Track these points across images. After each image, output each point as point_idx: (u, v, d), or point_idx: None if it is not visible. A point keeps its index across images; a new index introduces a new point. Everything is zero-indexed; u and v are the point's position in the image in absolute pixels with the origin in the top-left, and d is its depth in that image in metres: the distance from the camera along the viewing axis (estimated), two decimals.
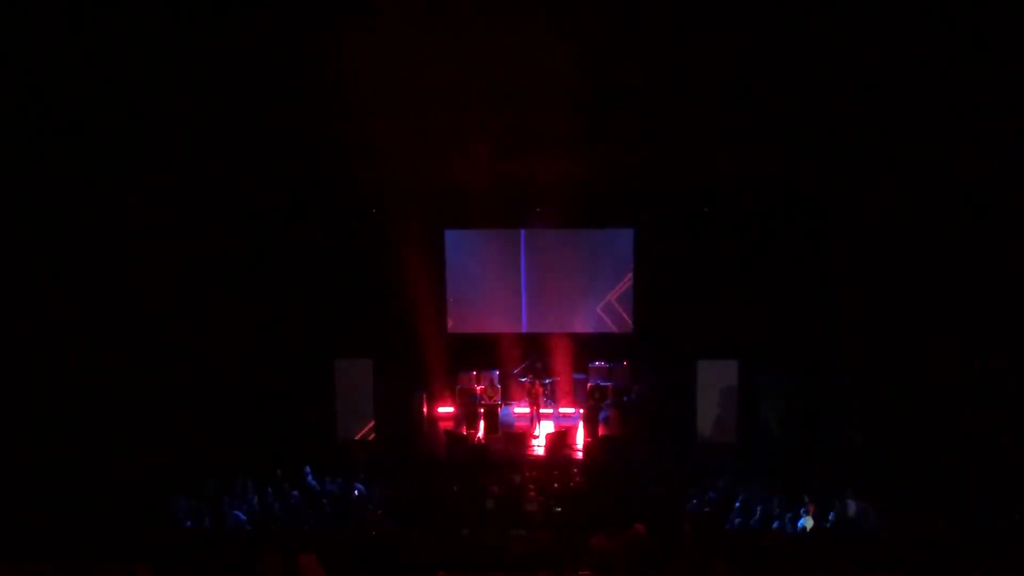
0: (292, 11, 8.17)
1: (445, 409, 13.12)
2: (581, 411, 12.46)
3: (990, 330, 9.48)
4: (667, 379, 12.67)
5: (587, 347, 13.29)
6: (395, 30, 8.10)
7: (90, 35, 8.37)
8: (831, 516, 7.76)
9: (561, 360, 13.11)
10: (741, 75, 8.89)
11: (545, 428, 12.28)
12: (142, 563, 5.95)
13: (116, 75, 8.91)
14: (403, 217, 12.22)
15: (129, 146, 9.77)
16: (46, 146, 9.33)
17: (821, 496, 8.02)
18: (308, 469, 9.48)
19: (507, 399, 12.94)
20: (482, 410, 12.29)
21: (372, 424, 12.10)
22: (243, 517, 8.04)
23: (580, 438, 12.02)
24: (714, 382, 11.72)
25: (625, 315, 13.46)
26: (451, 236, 13.49)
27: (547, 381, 12.88)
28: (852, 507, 7.74)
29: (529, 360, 12.97)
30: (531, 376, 12.57)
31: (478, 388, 12.64)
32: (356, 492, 9.15)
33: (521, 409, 12.85)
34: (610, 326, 13.49)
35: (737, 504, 8.36)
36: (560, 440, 11.51)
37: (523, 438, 11.83)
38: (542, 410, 12.54)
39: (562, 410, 12.99)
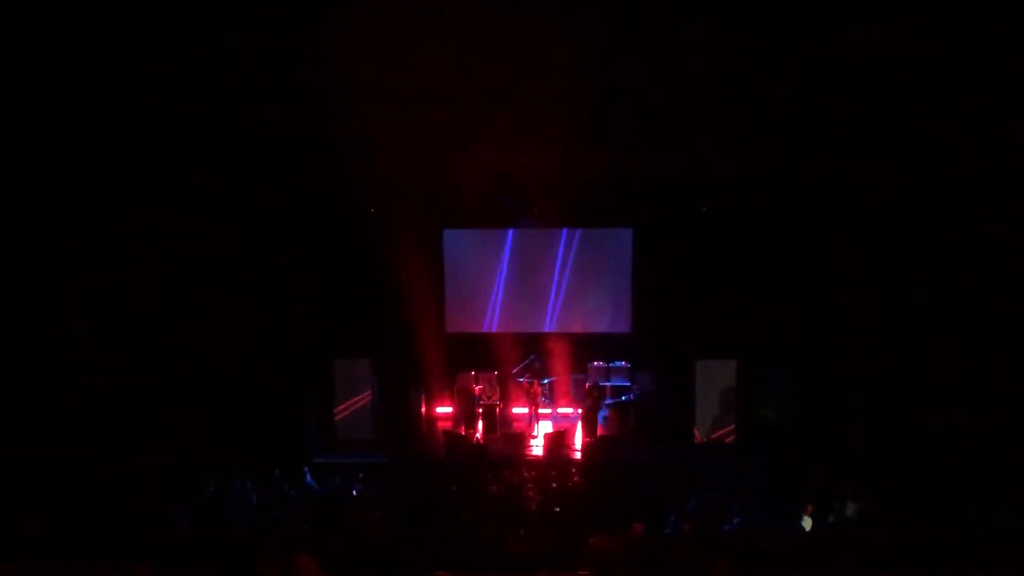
0: (292, 11, 8.17)
1: (444, 409, 13.12)
2: (579, 411, 12.46)
3: (990, 330, 9.47)
4: (666, 379, 12.68)
5: (586, 347, 13.29)
6: (394, 30, 8.10)
7: (90, 35, 8.36)
8: (829, 517, 7.76)
9: (560, 360, 13.11)
10: (741, 75, 8.88)
11: (544, 428, 12.28)
12: (142, 563, 5.94)
13: (116, 75, 8.90)
14: (402, 217, 12.23)
15: (129, 146, 9.77)
16: (46, 146, 9.33)
17: (820, 496, 8.02)
18: (307, 469, 9.48)
19: (506, 399, 12.92)
20: (481, 410, 12.29)
21: (371, 424, 12.12)
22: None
23: (579, 438, 12.02)
24: (713, 382, 11.73)
25: (624, 315, 13.46)
26: (450, 236, 13.49)
27: (545, 381, 12.88)
28: (851, 508, 7.74)
29: (528, 360, 12.97)
30: (529, 376, 12.57)
31: (477, 388, 12.64)
32: (354, 492, 9.15)
33: (520, 409, 12.85)
34: (609, 326, 13.49)
35: (736, 504, 8.36)
36: (559, 440, 11.52)
37: (522, 438, 11.84)
38: (540, 410, 12.55)
39: (560, 410, 12.99)
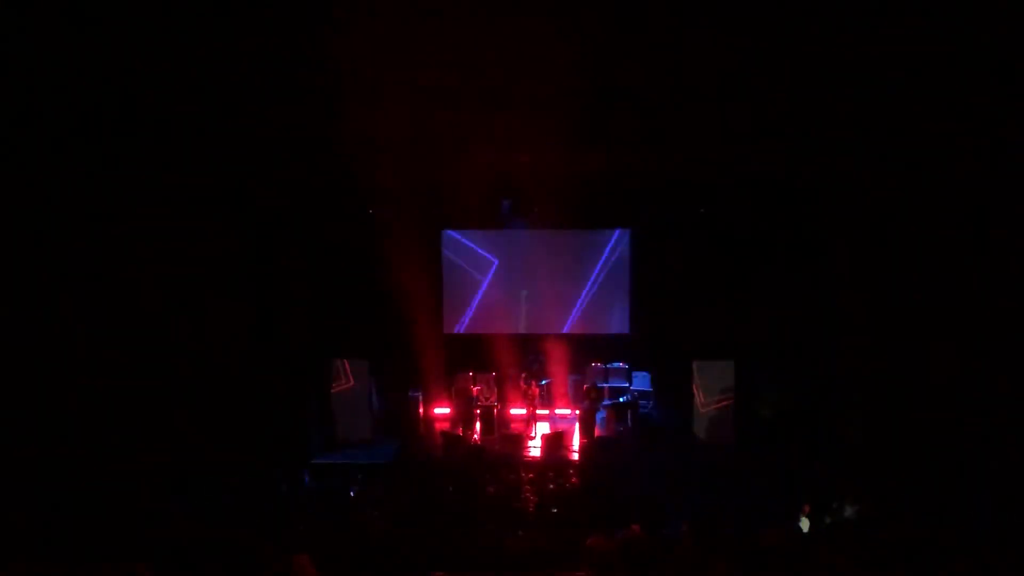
0: (293, 11, 8.16)
1: (442, 410, 13.11)
2: (577, 412, 12.45)
3: (990, 330, 9.47)
4: (664, 380, 12.69)
5: (584, 348, 13.29)
6: (394, 30, 8.10)
7: (90, 35, 8.36)
8: (827, 518, 7.76)
9: (557, 361, 13.10)
10: (741, 75, 8.87)
11: (541, 429, 12.27)
12: (142, 563, 5.94)
13: (116, 75, 8.90)
14: (401, 218, 12.24)
15: (129, 146, 9.77)
16: (46, 146, 9.33)
17: (818, 497, 8.02)
18: (305, 471, 9.48)
19: (503, 400, 12.91)
20: (478, 411, 12.28)
21: (369, 425, 12.12)
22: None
23: (576, 439, 12.01)
24: (711, 383, 11.73)
25: (622, 316, 13.46)
26: (448, 237, 13.49)
27: (543, 382, 12.87)
28: (849, 509, 7.73)
29: (526, 361, 12.97)
30: (527, 377, 12.56)
31: (475, 389, 12.64)
32: (352, 493, 9.15)
33: (517, 410, 12.83)
34: (607, 327, 13.49)
35: (734, 505, 8.36)
36: (556, 441, 11.51)
37: (519, 439, 11.83)
38: (538, 411, 12.53)
39: (558, 411, 12.98)
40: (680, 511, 8.24)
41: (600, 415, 12.26)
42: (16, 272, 9.42)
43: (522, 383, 12.59)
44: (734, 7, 8.15)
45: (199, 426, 10.49)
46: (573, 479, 9.73)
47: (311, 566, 5.52)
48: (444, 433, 11.87)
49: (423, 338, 12.83)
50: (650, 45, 8.58)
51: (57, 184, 9.54)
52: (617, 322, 13.51)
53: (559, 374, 13.14)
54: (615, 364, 13.09)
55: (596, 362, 13.09)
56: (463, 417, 12.32)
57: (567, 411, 12.95)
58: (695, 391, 11.72)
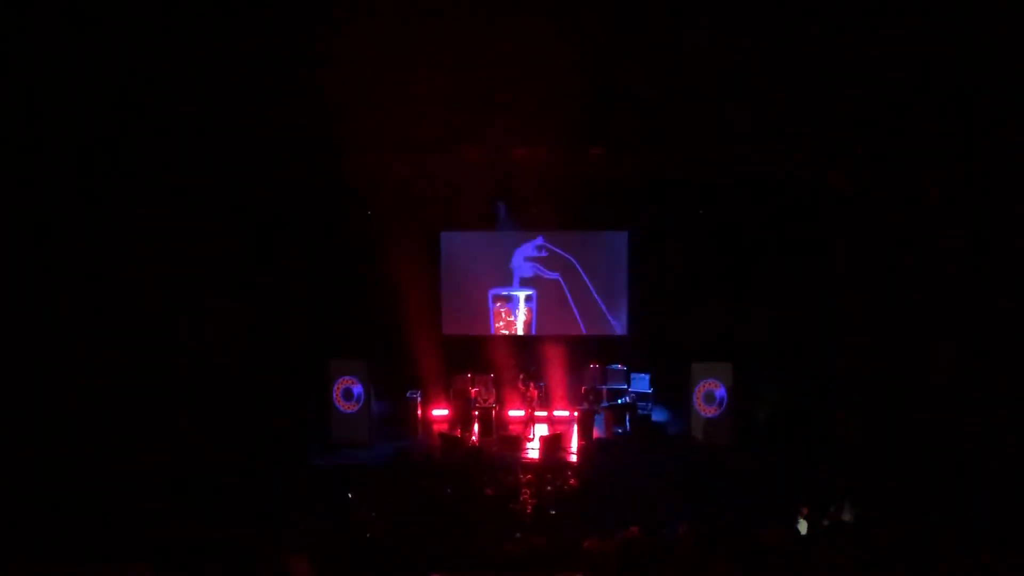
0: (293, 12, 8.17)
1: (440, 412, 13.10)
2: (576, 414, 12.43)
3: (990, 330, 9.47)
4: (663, 381, 12.68)
5: (582, 350, 13.27)
6: (394, 31, 8.10)
7: (90, 35, 8.37)
8: (825, 521, 7.75)
9: (556, 363, 13.08)
10: (741, 75, 8.87)
11: (540, 431, 12.25)
12: (142, 563, 5.95)
13: (116, 75, 8.91)
14: (399, 219, 12.23)
15: (129, 146, 9.77)
16: (46, 146, 9.33)
17: (817, 499, 8.01)
18: (303, 473, 9.48)
19: (501, 402, 12.88)
20: (477, 413, 12.27)
21: (367, 426, 12.11)
22: None
23: (575, 441, 12.00)
24: (710, 384, 11.72)
25: (620, 318, 13.46)
26: (447, 238, 13.49)
27: (541, 384, 12.84)
28: (847, 512, 7.73)
29: (524, 363, 12.94)
30: (525, 378, 12.54)
31: (473, 391, 12.62)
32: (350, 494, 9.13)
33: (516, 412, 12.81)
34: (605, 329, 13.48)
35: (732, 507, 8.35)
36: (554, 443, 11.50)
37: (518, 441, 11.82)
38: (537, 413, 12.51)
39: (557, 413, 12.95)
40: (679, 513, 8.23)
41: (598, 417, 12.24)
42: (16, 272, 9.43)
43: (520, 385, 12.56)
44: (734, 7, 8.15)
45: (199, 426, 10.50)
46: (571, 481, 9.71)
47: (309, 567, 5.52)
48: (442, 435, 11.85)
49: (421, 339, 12.78)
50: (650, 45, 8.59)
51: (57, 184, 9.55)
52: (615, 324, 13.51)
53: (557, 376, 13.10)
54: (613, 366, 13.07)
55: (594, 364, 13.06)
56: (461, 419, 12.31)
57: (565, 413, 12.91)
58: (693, 392, 11.71)
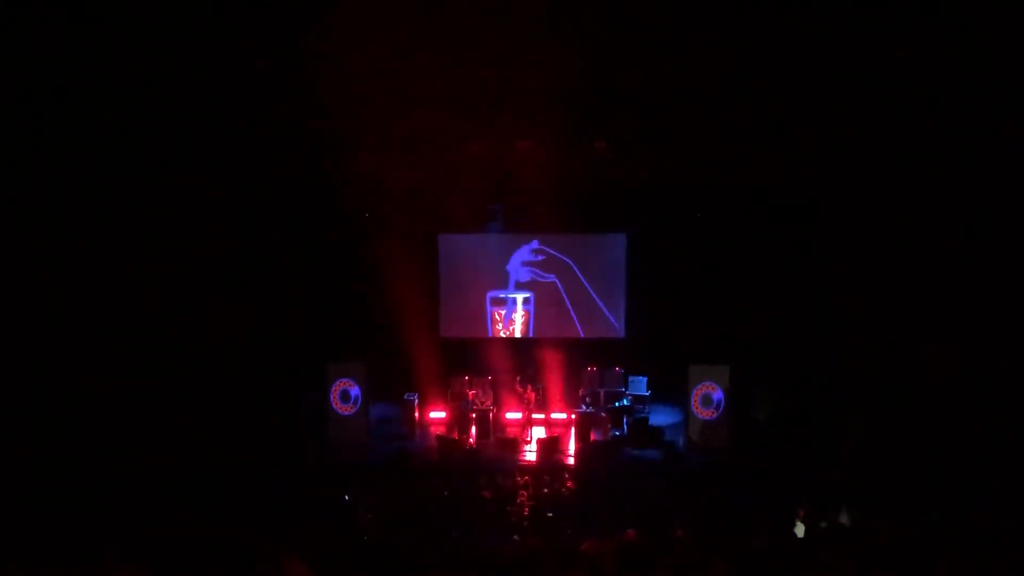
0: (294, 13, 8.17)
1: (437, 414, 13.09)
2: (573, 416, 12.42)
3: (990, 330, 9.45)
4: (660, 383, 12.66)
5: (579, 352, 13.26)
6: (394, 32, 8.10)
7: (90, 35, 8.37)
8: (822, 523, 7.74)
9: (553, 365, 13.07)
10: (740, 76, 8.86)
11: (537, 433, 12.24)
12: (141, 564, 5.95)
13: (116, 75, 8.91)
14: (396, 221, 12.23)
15: (129, 146, 9.78)
16: (46, 146, 9.34)
17: (816, 501, 8.00)
18: (302, 474, 9.48)
19: (499, 404, 12.87)
20: (474, 415, 12.27)
21: (364, 428, 12.11)
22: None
23: (572, 443, 11.98)
24: (708, 387, 11.70)
25: (617, 320, 13.45)
26: (445, 240, 13.48)
27: (539, 386, 12.83)
28: (845, 515, 7.72)
29: (522, 365, 12.93)
30: (522, 380, 12.53)
31: (470, 393, 12.61)
32: (347, 496, 9.13)
33: (513, 414, 12.79)
34: (603, 331, 13.47)
35: (730, 509, 8.34)
36: (552, 445, 11.49)
37: (515, 443, 11.81)
38: (534, 415, 12.50)
39: (554, 415, 12.93)
40: (676, 515, 8.22)
41: (596, 419, 12.22)
42: (16, 272, 9.44)
43: (518, 387, 12.55)
44: (734, 7, 8.14)
45: (199, 426, 10.50)
46: (568, 483, 9.69)
47: (306, 570, 5.52)
48: (440, 437, 11.84)
49: (419, 341, 12.78)
50: (649, 46, 8.58)
51: (57, 184, 9.55)
52: (613, 326, 13.50)
53: (555, 378, 13.07)
54: (611, 368, 13.06)
55: (592, 366, 13.05)
56: (459, 421, 12.31)
57: (563, 415, 12.89)
58: (691, 395, 11.69)
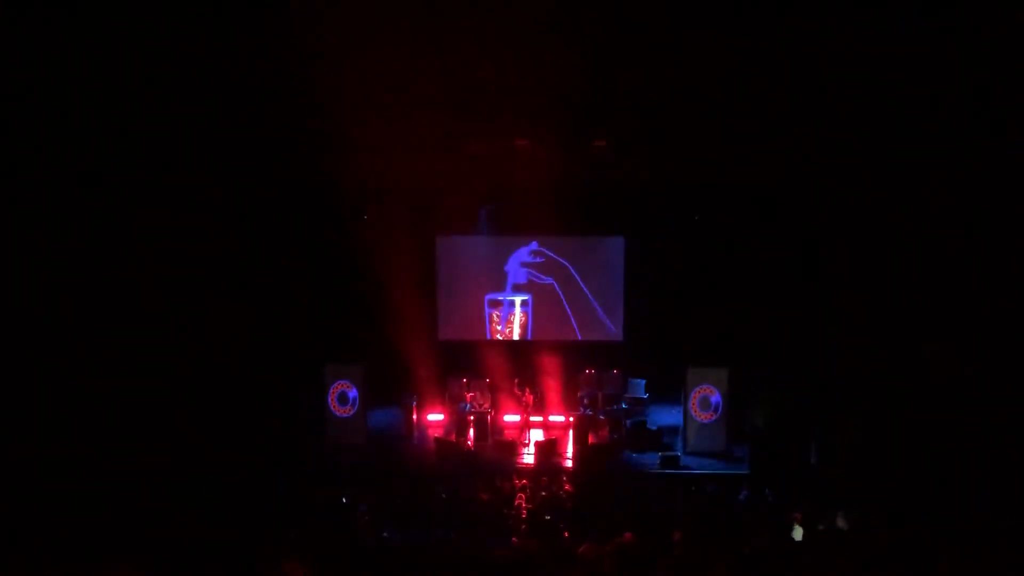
0: (295, 14, 8.16)
1: (435, 416, 13.09)
2: (571, 419, 12.42)
3: (990, 330, 9.44)
4: (658, 386, 12.66)
5: (578, 355, 13.26)
6: (390, 33, 8.09)
7: (90, 35, 8.37)
8: (819, 526, 7.74)
9: (552, 368, 13.07)
10: (740, 76, 8.85)
11: (535, 436, 12.23)
12: (141, 564, 5.96)
13: (116, 75, 8.91)
14: (394, 223, 12.24)
15: (129, 146, 9.78)
16: (46, 146, 9.34)
17: (814, 504, 8.00)
18: (301, 475, 9.48)
19: (497, 407, 12.86)
20: (472, 417, 12.26)
21: (362, 430, 12.11)
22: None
23: (570, 446, 11.98)
24: (706, 390, 11.69)
25: (616, 323, 13.45)
26: (443, 242, 13.48)
27: (537, 389, 12.82)
28: (842, 519, 7.72)
29: (520, 367, 12.93)
30: (520, 383, 12.52)
31: (468, 395, 12.61)
32: (345, 498, 9.13)
33: (511, 417, 12.79)
34: (601, 334, 13.47)
35: (728, 511, 8.35)
36: (550, 448, 11.49)
37: (513, 446, 11.81)
38: (532, 418, 12.49)
39: (552, 418, 12.93)
40: (674, 518, 8.22)
41: (594, 422, 12.22)
42: (16, 272, 9.44)
43: (516, 390, 12.54)
44: (734, 7, 8.13)
45: (199, 426, 10.51)
46: (566, 486, 9.70)
47: (305, 572, 5.53)
48: (437, 439, 11.84)
49: (417, 344, 12.79)
50: (649, 46, 8.56)
51: (57, 184, 9.56)
52: (611, 328, 13.50)
53: (553, 381, 13.07)
54: (610, 371, 13.05)
55: (590, 369, 13.05)
56: (457, 423, 12.31)
57: (561, 418, 12.88)
58: (689, 397, 11.68)
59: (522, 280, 13.56)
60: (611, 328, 13.49)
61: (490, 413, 12.44)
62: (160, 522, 7.80)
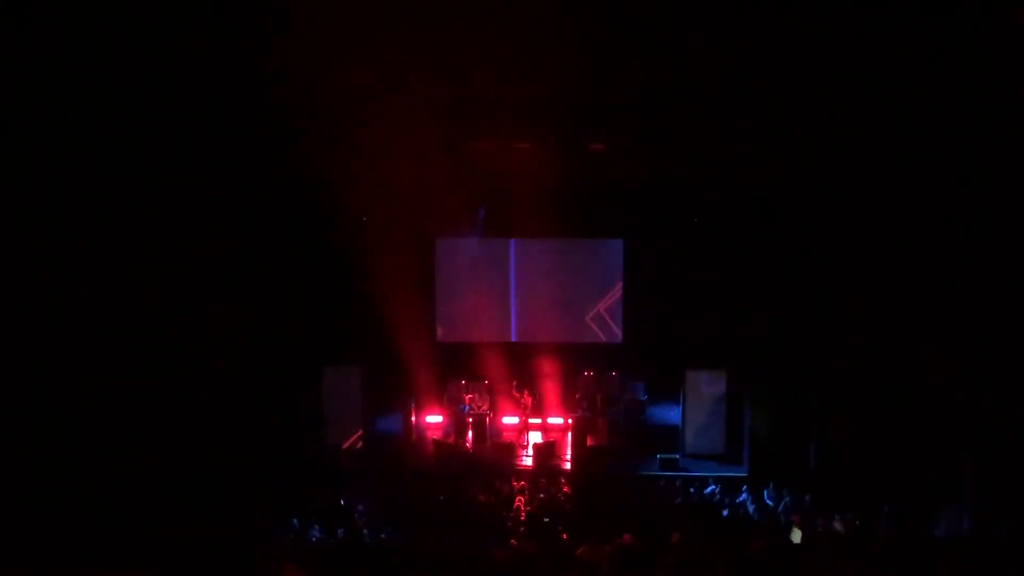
0: (295, 14, 8.16)
1: (434, 418, 13.08)
2: (570, 421, 12.40)
3: (990, 330, 9.43)
4: (657, 388, 12.66)
5: (576, 357, 13.25)
6: (390, 35, 8.09)
7: (89, 35, 8.37)
8: (818, 527, 7.75)
9: (550, 370, 13.06)
10: (740, 76, 8.84)
11: (533, 438, 12.22)
12: (140, 564, 5.96)
13: (116, 75, 8.91)
14: (394, 226, 12.23)
15: (128, 146, 9.77)
16: (46, 146, 9.33)
17: (813, 505, 8.01)
18: (300, 476, 9.46)
19: (495, 409, 12.86)
20: (470, 419, 12.25)
21: (360, 432, 12.10)
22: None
23: (568, 448, 11.96)
24: (704, 391, 11.69)
25: (614, 325, 13.44)
26: (442, 245, 13.46)
27: (536, 391, 12.81)
28: (839, 522, 7.73)
29: (519, 370, 12.92)
30: (519, 385, 12.51)
31: (467, 397, 12.60)
32: (343, 500, 9.13)
33: (510, 419, 12.77)
34: (599, 336, 13.47)
35: (727, 513, 8.33)
36: (548, 450, 11.49)
37: (511, 448, 11.79)
38: (531, 420, 12.48)
39: (551, 420, 12.92)
40: (672, 520, 8.22)
41: (593, 424, 12.21)
42: (16, 272, 9.44)
43: (514, 392, 12.53)
44: (734, 7, 8.12)
45: (199, 426, 10.51)
46: (565, 488, 9.70)
47: (302, 573, 5.53)
48: (436, 441, 11.83)
49: (416, 346, 12.79)
50: (649, 46, 8.56)
51: (57, 184, 9.55)
52: (610, 331, 13.49)
53: (552, 383, 13.07)
54: (608, 372, 13.04)
55: (589, 371, 13.04)
56: (455, 425, 12.30)
57: (559, 420, 12.87)
58: (688, 398, 11.68)
59: (522, 282, 13.55)
60: (610, 330, 13.49)
61: (489, 415, 12.43)
62: (160, 522, 7.81)
